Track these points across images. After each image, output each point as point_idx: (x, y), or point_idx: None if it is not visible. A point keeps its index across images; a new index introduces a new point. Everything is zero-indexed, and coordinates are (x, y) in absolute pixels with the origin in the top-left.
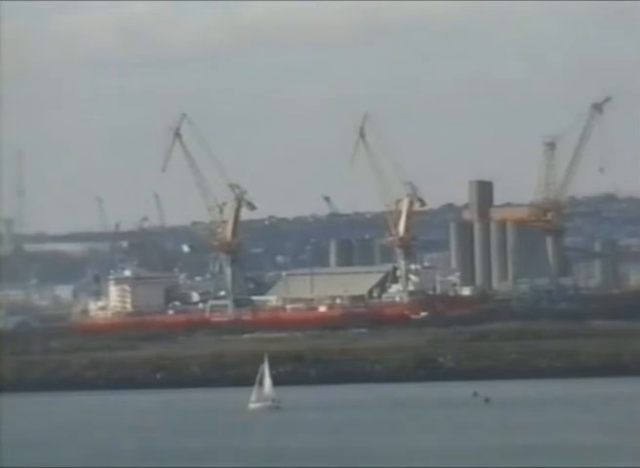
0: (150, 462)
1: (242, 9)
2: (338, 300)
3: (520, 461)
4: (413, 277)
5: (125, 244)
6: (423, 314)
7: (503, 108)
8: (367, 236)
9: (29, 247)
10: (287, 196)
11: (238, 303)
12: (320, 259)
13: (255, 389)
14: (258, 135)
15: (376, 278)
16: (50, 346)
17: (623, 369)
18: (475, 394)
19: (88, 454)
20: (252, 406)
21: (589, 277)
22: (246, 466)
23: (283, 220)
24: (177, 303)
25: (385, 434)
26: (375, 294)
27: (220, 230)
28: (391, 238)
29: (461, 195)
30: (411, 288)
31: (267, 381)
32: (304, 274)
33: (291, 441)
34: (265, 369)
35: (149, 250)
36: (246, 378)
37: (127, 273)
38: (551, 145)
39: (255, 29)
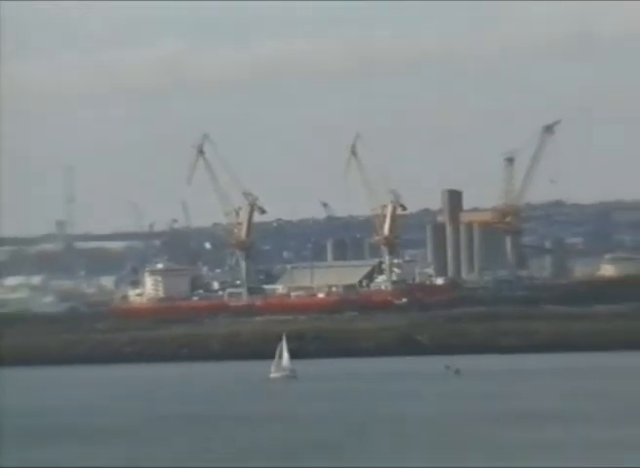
0: (191, 425)
1: (258, 47)
2: (333, 289)
3: (489, 424)
4: (396, 269)
5: (158, 242)
6: (404, 300)
7: (472, 130)
8: (358, 235)
9: (78, 244)
10: (292, 202)
11: (251, 291)
12: (319, 255)
13: (274, 362)
14: (267, 152)
15: (365, 270)
16: (95, 327)
17: (571, 345)
18: (447, 367)
19: (133, 418)
20: (272, 375)
21: (541, 269)
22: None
23: (288, 222)
24: (200, 291)
25: (380, 400)
26: (364, 284)
27: (236, 231)
28: (378, 237)
29: (436, 201)
30: (394, 278)
31: (285, 355)
32: (306, 267)
33: (308, 405)
34: (284, 345)
35: (178, 247)
36: (258, 353)
37: (159, 266)
38: (510, 160)
39: (266, 65)
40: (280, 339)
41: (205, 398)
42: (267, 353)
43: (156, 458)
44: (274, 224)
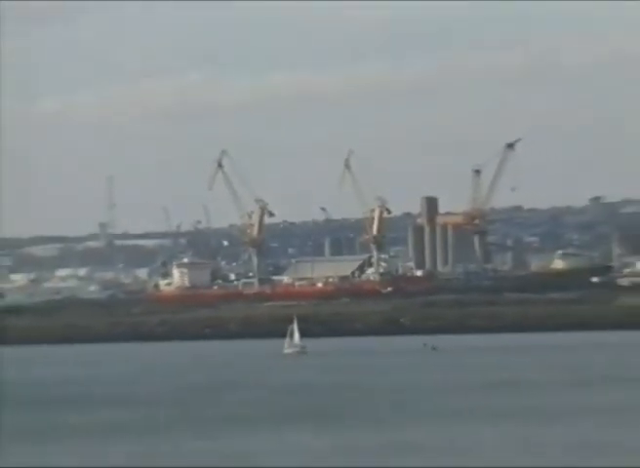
0: (216, 392)
1: (267, 79)
2: (330, 279)
3: (476, 392)
4: (382, 263)
5: (184, 240)
6: (389, 289)
7: (446, 147)
8: (351, 235)
9: (117, 242)
10: (296, 207)
11: (261, 281)
12: (318, 251)
13: (287, 339)
14: (275, 165)
15: (357, 264)
16: (131, 311)
17: (529, 326)
18: (425, 344)
19: (167, 388)
20: (286, 351)
21: (504, 263)
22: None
23: (292, 224)
24: (219, 281)
25: (375, 372)
26: (356, 275)
27: (249, 231)
28: (367, 236)
29: (416, 207)
30: (381, 271)
31: (296, 334)
32: (307, 261)
33: (318, 376)
34: (295, 325)
35: (200, 244)
36: (268, 333)
37: (185, 260)
38: (478, 172)
39: (276, 92)
40: (290, 322)
41: (228, 370)
42: (276, 333)
43: (175, 420)
44: (281, 225)
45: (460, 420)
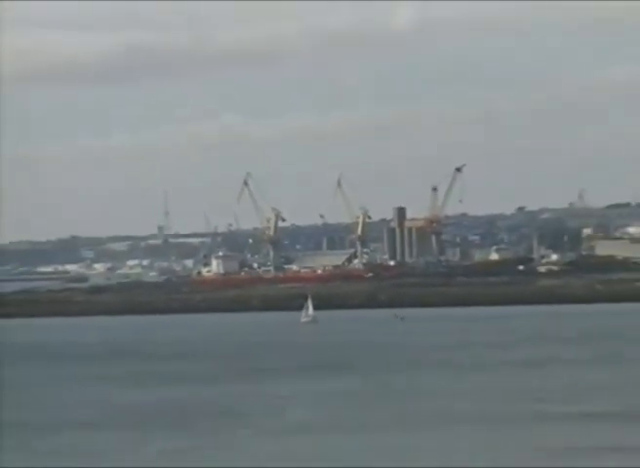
0: (255, 350)
1: (286, 119)
2: (327, 267)
3: (449, 350)
4: (365, 256)
5: (219, 238)
6: (370, 274)
7: (413, 173)
8: (342, 235)
9: (171, 240)
10: (301, 214)
11: (277, 269)
12: (318, 247)
13: (303, 311)
14: (287, 184)
15: (346, 256)
16: (181, 290)
17: (473, 302)
18: (396, 315)
19: (216, 347)
20: (302, 320)
21: (454, 256)
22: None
23: (299, 227)
24: (245, 269)
25: (364, 334)
26: (345, 264)
27: (267, 232)
28: (354, 236)
29: (390, 214)
30: (364, 261)
31: (310, 307)
32: (310, 254)
33: (327, 338)
34: (309, 301)
35: (231, 241)
36: (282, 308)
37: (220, 253)
38: (435, 189)
39: (288, 131)
40: (302, 299)
41: (260, 334)
42: (288, 307)
43: (223, 370)
44: (290, 228)
45: (428, 371)
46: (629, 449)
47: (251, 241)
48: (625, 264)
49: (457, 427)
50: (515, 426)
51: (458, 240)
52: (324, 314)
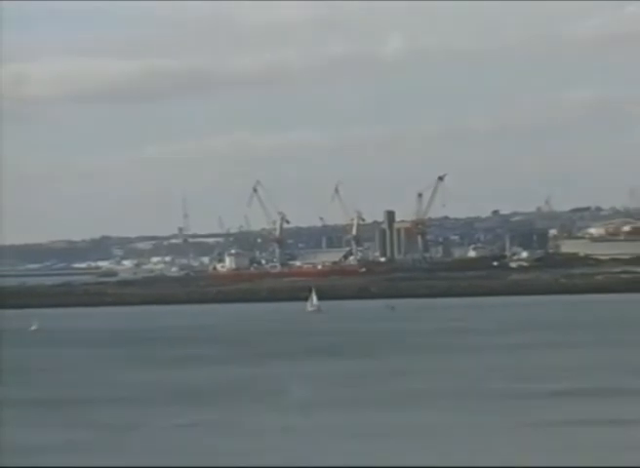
0: (265, 336)
1: (290, 133)
2: (326, 263)
3: (442, 334)
4: (359, 253)
5: (232, 238)
6: (364, 269)
7: (403, 181)
8: (339, 235)
9: (190, 240)
10: (303, 217)
11: (282, 265)
12: (318, 245)
13: (309, 301)
14: (291, 191)
15: (342, 253)
16: (199, 284)
17: (454, 294)
18: (387, 305)
19: (230, 333)
20: (308, 309)
21: (437, 253)
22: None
23: (301, 228)
24: (255, 265)
25: (362, 322)
26: (342, 261)
27: (273, 232)
28: (349, 236)
29: (381, 217)
30: (358, 258)
31: (315, 298)
32: (311, 252)
33: (330, 325)
34: (313, 293)
35: (243, 241)
36: (286, 299)
37: (233, 251)
38: (420, 195)
39: (294, 145)
40: (305, 291)
41: (270, 322)
42: (292, 298)
43: (234, 354)
44: (294, 229)
45: (418, 352)
46: (598, 423)
47: (259, 240)
48: (586, 261)
49: (447, 402)
50: (497, 402)
51: (440, 239)
52: (323, 304)
